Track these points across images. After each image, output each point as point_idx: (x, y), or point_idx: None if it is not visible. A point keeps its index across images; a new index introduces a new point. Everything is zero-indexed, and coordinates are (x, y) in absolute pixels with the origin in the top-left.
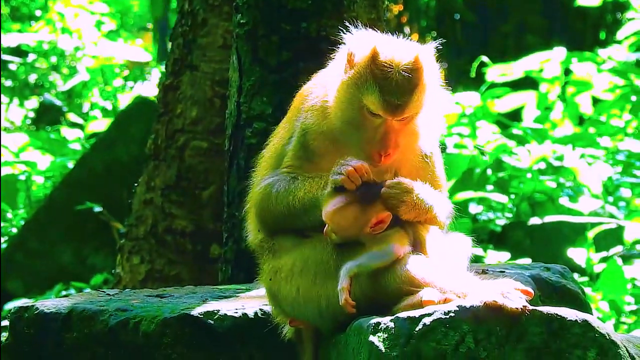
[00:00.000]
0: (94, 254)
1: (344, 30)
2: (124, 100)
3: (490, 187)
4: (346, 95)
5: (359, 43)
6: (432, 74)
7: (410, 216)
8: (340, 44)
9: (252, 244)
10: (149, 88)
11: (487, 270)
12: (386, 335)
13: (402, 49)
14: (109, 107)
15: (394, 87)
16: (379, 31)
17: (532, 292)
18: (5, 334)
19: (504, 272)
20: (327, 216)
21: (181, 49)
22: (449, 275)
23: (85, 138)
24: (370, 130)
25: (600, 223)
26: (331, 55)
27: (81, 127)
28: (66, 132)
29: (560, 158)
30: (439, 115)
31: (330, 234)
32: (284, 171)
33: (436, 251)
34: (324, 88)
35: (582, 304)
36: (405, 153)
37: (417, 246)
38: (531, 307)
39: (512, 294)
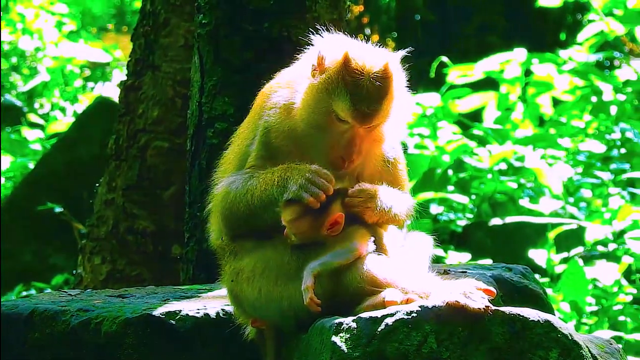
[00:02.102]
0: (55, 254)
1: (311, 32)
2: (85, 101)
3: (451, 187)
4: (314, 99)
5: (330, 47)
6: (400, 81)
7: (374, 220)
8: (304, 45)
9: (214, 244)
10: (110, 89)
11: (449, 270)
12: (348, 335)
13: (373, 56)
14: (70, 107)
15: (364, 95)
16: (341, 32)
17: (495, 292)
18: None
19: (465, 272)
20: (286, 223)
21: (143, 49)
22: (411, 275)
23: (46, 138)
24: (336, 135)
25: (561, 224)
26: (295, 56)
27: (42, 127)
28: (27, 132)
29: (521, 159)
30: (404, 121)
31: (291, 235)
32: (245, 171)
33: (397, 251)
34: (287, 88)
35: (544, 305)
36: (368, 158)
37: (378, 246)
38: (494, 308)
39: (475, 294)
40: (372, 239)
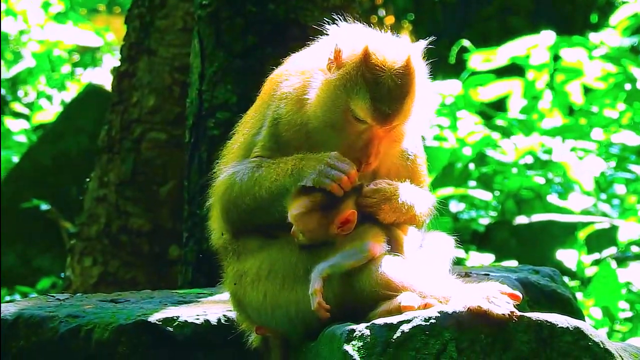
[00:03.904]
0: (41, 256)
1: (324, 18)
2: (74, 89)
3: (472, 183)
4: (330, 96)
5: (348, 39)
6: (423, 76)
7: (390, 220)
8: (312, 29)
9: (216, 244)
10: (101, 75)
11: (471, 273)
12: (361, 343)
13: (394, 50)
14: (57, 95)
15: (385, 94)
16: (352, 15)
17: (520, 296)
18: None
19: (488, 275)
20: (292, 218)
21: (137, 32)
22: (430, 278)
23: (31, 129)
24: (353, 135)
25: (592, 222)
26: (303, 40)
27: (27, 117)
28: (10, 123)
29: (548, 151)
30: (426, 118)
31: (298, 234)
32: (252, 160)
33: (415, 252)
34: (300, 76)
35: (573, 310)
36: (386, 156)
37: (394, 246)
38: (519, 313)
39: (498, 299)
40: (387, 238)
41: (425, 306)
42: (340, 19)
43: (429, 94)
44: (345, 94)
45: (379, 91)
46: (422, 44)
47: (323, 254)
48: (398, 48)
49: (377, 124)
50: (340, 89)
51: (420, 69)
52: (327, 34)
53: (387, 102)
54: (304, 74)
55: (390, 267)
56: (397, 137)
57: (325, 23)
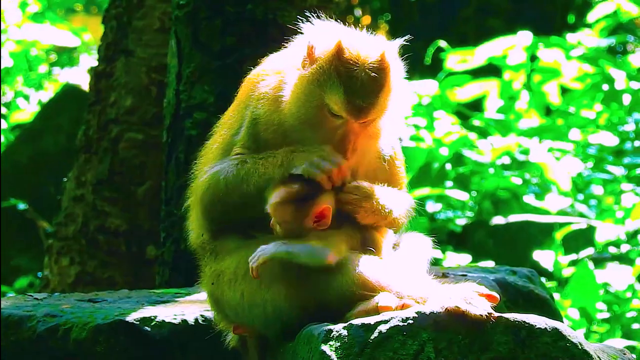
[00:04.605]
0: (19, 255)
1: (300, 17)
2: (51, 88)
3: (449, 183)
4: (305, 92)
5: (321, 35)
6: (398, 72)
7: (368, 221)
8: (290, 28)
9: (194, 244)
10: (79, 75)
11: (448, 273)
12: (339, 343)
13: (368, 45)
14: (34, 95)
15: (359, 88)
16: (329, 15)
17: (498, 297)
18: None
19: (466, 275)
20: (270, 207)
21: (115, 32)
22: (407, 278)
23: (9, 129)
24: (328, 131)
25: (570, 223)
26: (281, 40)
27: (4, 117)
28: None
29: (525, 152)
30: (402, 115)
31: (275, 226)
32: (234, 157)
33: (392, 252)
34: (276, 76)
35: (551, 311)
36: (364, 154)
37: (370, 247)
38: (497, 314)
39: (476, 300)
40: (364, 239)
41: (403, 307)
42: (316, 18)
43: (404, 91)
44: (319, 88)
45: (353, 84)
46: (398, 41)
47: None
48: (372, 44)
49: (352, 117)
50: (314, 84)
51: (396, 66)
52: (302, 33)
53: (362, 96)
54: (279, 73)
55: (367, 268)
56: (374, 133)
57: (301, 22)
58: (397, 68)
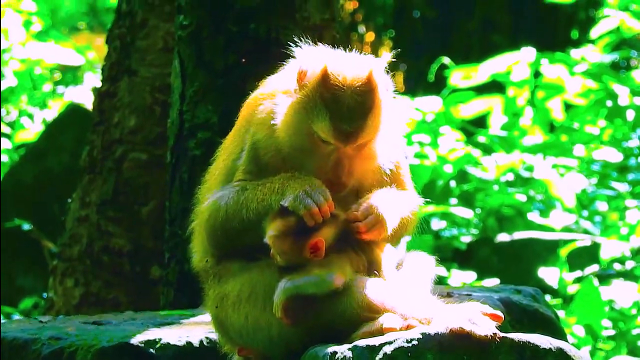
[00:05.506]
0: (23, 276)
1: (303, 37)
2: (55, 107)
3: (454, 200)
4: (294, 120)
5: (310, 60)
6: (387, 90)
7: (374, 237)
8: (292, 48)
9: (197, 267)
10: (82, 93)
11: (452, 293)
12: None
13: (354, 67)
14: (39, 114)
15: (345, 113)
16: (332, 33)
17: (502, 316)
18: None
19: (470, 295)
20: (269, 239)
21: (118, 52)
22: (411, 299)
23: (13, 148)
24: (322, 157)
25: (574, 240)
26: (284, 59)
27: (8, 136)
28: None
29: (529, 169)
30: (399, 130)
31: (276, 256)
32: (235, 184)
33: (396, 273)
34: (272, 100)
35: (556, 330)
36: (364, 174)
37: (374, 268)
38: (501, 334)
39: (480, 320)
40: (367, 260)
41: (408, 327)
42: (315, 39)
43: (397, 108)
44: (306, 116)
45: (339, 110)
46: (386, 57)
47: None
48: (358, 66)
49: (340, 143)
50: (301, 112)
51: (384, 84)
52: (295, 57)
53: (348, 121)
54: (273, 97)
55: (371, 289)
56: (369, 154)
57: (304, 42)
58: (385, 86)
